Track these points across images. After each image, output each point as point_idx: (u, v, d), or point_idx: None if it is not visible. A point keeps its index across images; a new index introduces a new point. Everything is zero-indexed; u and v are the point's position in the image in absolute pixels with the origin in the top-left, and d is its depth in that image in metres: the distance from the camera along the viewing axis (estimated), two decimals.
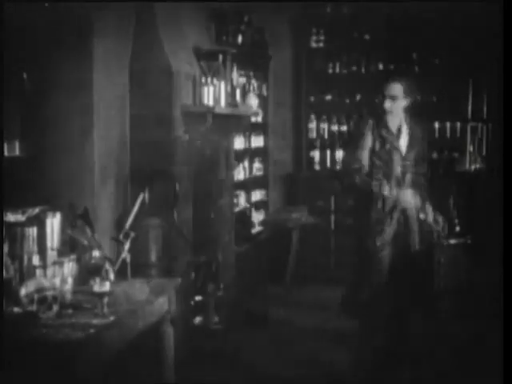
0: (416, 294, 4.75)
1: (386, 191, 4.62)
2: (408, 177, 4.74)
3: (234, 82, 6.35)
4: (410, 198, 4.70)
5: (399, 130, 4.77)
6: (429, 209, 4.79)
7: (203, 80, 5.57)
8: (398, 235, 4.71)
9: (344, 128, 7.86)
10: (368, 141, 4.74)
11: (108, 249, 4.33)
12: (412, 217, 4.72)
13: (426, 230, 4.78)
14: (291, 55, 7.97)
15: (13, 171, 3.91)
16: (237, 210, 6.93)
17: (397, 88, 4.71)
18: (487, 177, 7.00)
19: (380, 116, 4.81)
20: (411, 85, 4.77)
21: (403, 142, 4.76)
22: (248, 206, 7.40)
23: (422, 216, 4.75)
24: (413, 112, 4.91)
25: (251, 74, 7.28)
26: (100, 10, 4.47)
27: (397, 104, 4.71)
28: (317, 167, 7.95)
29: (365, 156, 4.73)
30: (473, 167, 7.27)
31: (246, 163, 7.40)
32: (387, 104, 4.70)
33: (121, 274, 4.07)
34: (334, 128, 7.93)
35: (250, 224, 7.39)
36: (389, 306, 4.78)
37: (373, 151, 4.74)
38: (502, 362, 3.18)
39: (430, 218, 4.79)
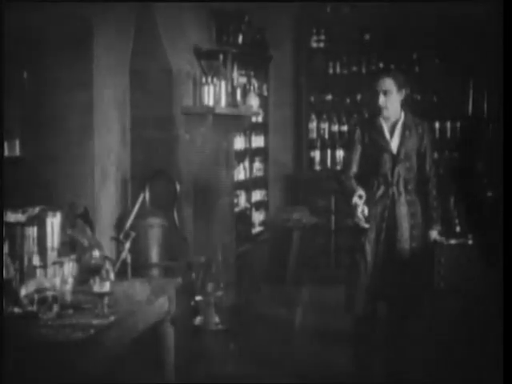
0: (413, 293, 4.73)
1: (358, 212, 4.61)
2: (402, 180, 4.71)
3: (235, 82, 6.35)
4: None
5: (394, 129, 4.74)
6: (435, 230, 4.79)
7: (203, 80, 5.57)
8: (383, 231, 4.69)
9: (344, 128, 7.86)
10: (357, 148, 4.75)
11: (108, 249, 4.33)
12: (401, 212, 4.70)
13: (417, 226, 4.76)
14: (292, 55, 7.98)
15: (13, 171, 3.91)
16: (237, 210, 6.93)
17: (388, 82, 4.68)
18: (487, 176, 7.00)
19: (369, 121, 4.82)
20: (402, 77, 4.76)
21: (396, 142, 4.73)
22: (248, 206, 7.40)
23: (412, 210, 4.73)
24: (412, 110, 4.91)
25: (252, 73, 7.28)
26: (100, 10, 4.48)
27: (391, 98, 4.69)
28: (317, 167, 7.95)
29: (354, 164, 4.75)
30: (473, 167, 7.27)
31: (247, 163, 7.40)
32: (381, 99, 4.68)
33: (121, 274, 4.07)
34: (335, 128, 7.93)
35: (250, 224, 7.39)
36: (382, 307, 4.78)
37: (363, 157, 4.74)
38: (502, 361, 3.18)
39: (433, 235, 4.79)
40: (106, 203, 4.70)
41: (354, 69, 7.79)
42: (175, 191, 4.78)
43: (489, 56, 6.86)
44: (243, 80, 6.95)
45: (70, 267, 3.68)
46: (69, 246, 3.83)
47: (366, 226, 4.61)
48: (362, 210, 4.55)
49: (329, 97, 7.96)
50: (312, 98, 7.93)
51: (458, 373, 4.76)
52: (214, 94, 5.58)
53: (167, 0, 5.29)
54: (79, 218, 4.01)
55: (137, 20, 5.04)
